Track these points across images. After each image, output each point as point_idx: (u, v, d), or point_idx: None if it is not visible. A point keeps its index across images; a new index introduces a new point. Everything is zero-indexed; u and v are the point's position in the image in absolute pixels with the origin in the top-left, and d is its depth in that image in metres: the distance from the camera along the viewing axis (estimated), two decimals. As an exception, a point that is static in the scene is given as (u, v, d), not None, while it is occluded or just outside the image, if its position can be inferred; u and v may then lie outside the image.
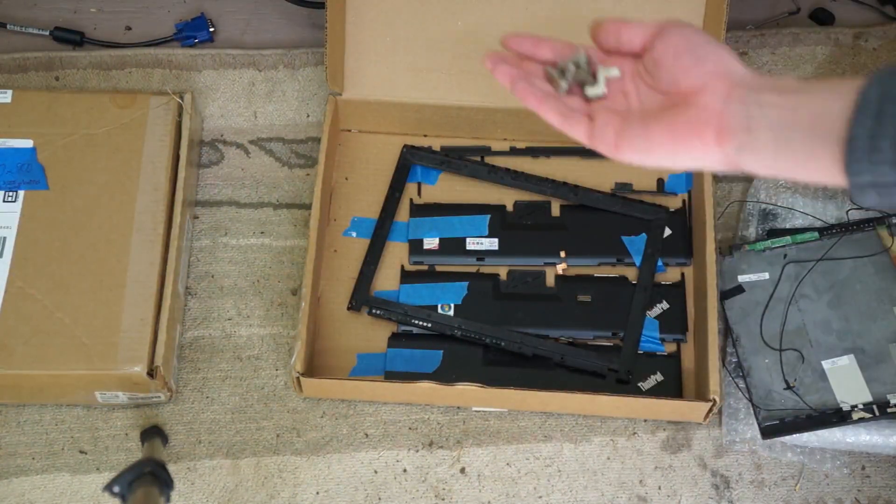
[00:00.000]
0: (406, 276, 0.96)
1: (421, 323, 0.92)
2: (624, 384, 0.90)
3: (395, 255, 0.97)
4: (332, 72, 0.96)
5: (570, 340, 0.93)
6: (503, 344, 0.91)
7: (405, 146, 1.01)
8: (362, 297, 0.94)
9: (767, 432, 0.87)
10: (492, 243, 0.96)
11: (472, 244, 0.97)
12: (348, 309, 0.94)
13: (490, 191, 1.00)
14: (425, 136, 1.03)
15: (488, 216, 0.98)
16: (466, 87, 0.98)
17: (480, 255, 0.96)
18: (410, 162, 1.01)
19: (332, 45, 0.95)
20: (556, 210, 0.99)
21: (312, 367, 0.91)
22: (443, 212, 0.99)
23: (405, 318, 0.93)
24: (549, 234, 0.97)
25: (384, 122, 1.02)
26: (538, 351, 0.91)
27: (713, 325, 0.87)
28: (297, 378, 0.86)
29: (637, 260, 0.95)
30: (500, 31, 0.97)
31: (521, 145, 1.02)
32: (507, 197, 0.99)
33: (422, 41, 0.97)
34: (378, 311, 0.93)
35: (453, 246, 0.97)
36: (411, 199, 1.00)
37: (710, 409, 0.86)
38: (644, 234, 0.96)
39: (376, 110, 1.00)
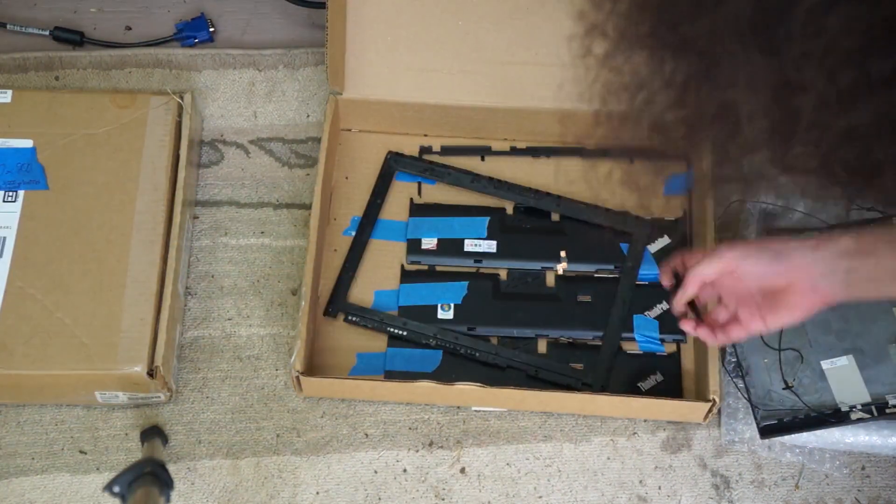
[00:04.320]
0: (406, 276, 0.96)
1: (395, 331, 0.92)
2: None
3: (396, 255, 0.97)
4: (332, 71, 0.96)
5: (570, 340, 0.93)
6: (477, 354, 0.91)
7: (389, 153, 1.01)
8: (339, 304, 0.94)
9: (766, 432, 0.86)
10: (490, 245, 0.96)
11: (469, 246, 0.97)
12: (324, 315, 0.94)
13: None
14: (426, 135, 1.03)
15: (487, 218, 0.98)
16: (467, 87, 0.98)
17: (478, 256, 0.96)
18: (395, 169, 1.00)
19: (332, 44, 0.95)
20: (556, 215, 0.98)
21: (312, 367, 0.91)
22: (442, 212, 0.98)
23: (380, 326, 0.92)
24: (547, 239, 0.97)
25: (385, 122, 1.01)
26: (512, 363, 0.90)
27: None
28: (297, 377, 0.86)
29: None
30: (501, 32, 0.98)
31: (521, 145, 1.02)
32: (509, 199, 0.99)
33: (422, 41, 0.97)
34: (354, 318, 0.93)
35: (451, 247, 0.97)
36: (412, 199, 1.00)
37: (710, 410, 0.85)
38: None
39: (377, 110, 1.00)
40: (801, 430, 0.86)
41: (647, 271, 0.95)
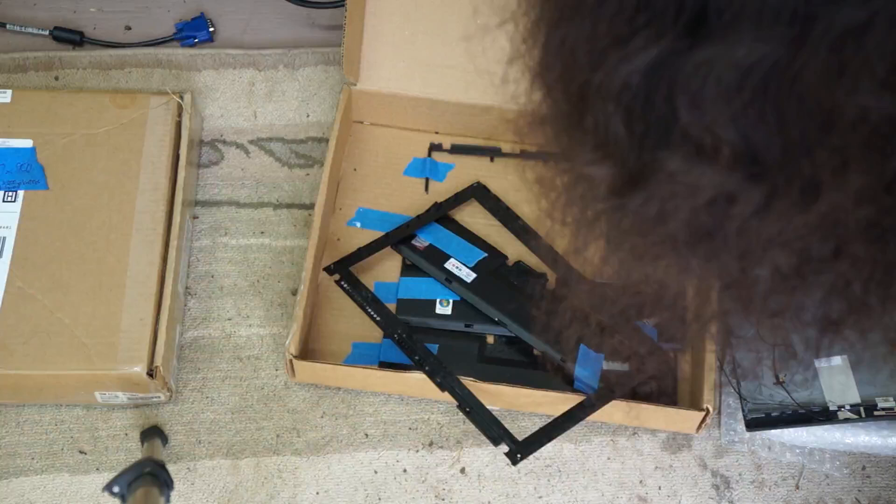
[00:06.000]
0: (406, 270, 0.96)
1: (372, 313, 0.92)
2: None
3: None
4: (347, 61, 0.96)
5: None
6: (427, 368, 0.87)
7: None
8: (342, 268, 0.94)
9: (752, 425, 0.86)
10: (468, 275, 0.94)
11: (451, 265, 0.95)
12: (323, 269, 0.94)
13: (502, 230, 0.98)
14: (437, 132, 1.03)
15: (484, 255, 0.96)
16: (481, 86, 0.97)
17: (452, 277, 0.94)
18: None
19: (350, 34, 0.94)
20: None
21: (307, 353, 0.91)
22: (452, 227, 0.98)
23: (361, 303, 0.92)
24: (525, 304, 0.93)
25: (397, 116, 1.01)
26: (444, 387, 0.87)
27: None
28: (291, 360, 0.86)
29: None
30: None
31: (532, 149, 1.02)
32: (517, 249, 0.97)
33: (440, 37, 0.96)
34: (346, 286, 0.93)
35: (436, 255, 0.95)
36: (437, 202, 0.99)
37: (703, 420, 0.85)
38: None
39: (390, 103, 0.99)
40: (787, 425, 0.86)
41: None
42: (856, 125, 0.37)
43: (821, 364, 0.88)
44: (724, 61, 0.37)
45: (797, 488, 0.88)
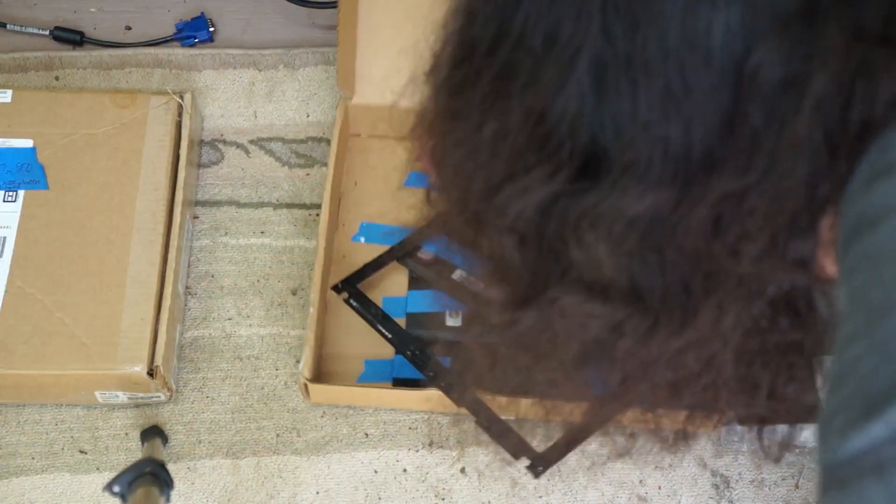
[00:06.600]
0: (414, 283, 0.95)
1: (383, 331, 0.91)
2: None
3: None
4: (342, 75, 0.95)
5: None
6: (442, 385, 0.87)
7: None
8: (350, 286, 0.94)
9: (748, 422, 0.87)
10: (476, 285, 0.94)
11: (457, 275, 0.94)
12: (331, 288, 0.94)
13: None
14: None
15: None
16: None
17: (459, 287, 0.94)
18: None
19: (343, 47, 0.94)
20: None
21: (319, 373, 0.91)
22: None
23: (371, 321, 0.92)
24: None
25: (395, 128, 1.01)
26: (461, 402, 0.87)
27: None
28: (305, 384, 0.86)
29: None
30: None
31: None
32: None
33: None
34: (354, 304, 0.93)
35: (443, 267, 0.95)
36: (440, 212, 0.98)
37: (719, 420, 0.85)
38: None
39: (387, 116, 0.99)
40: (784, 422, 0.86)
41: None
42: (730, 275, 0.41)
43: (821, 363, 0.88)
44: (611, 211, 0.40)
45: (797, 488, 0.88)
